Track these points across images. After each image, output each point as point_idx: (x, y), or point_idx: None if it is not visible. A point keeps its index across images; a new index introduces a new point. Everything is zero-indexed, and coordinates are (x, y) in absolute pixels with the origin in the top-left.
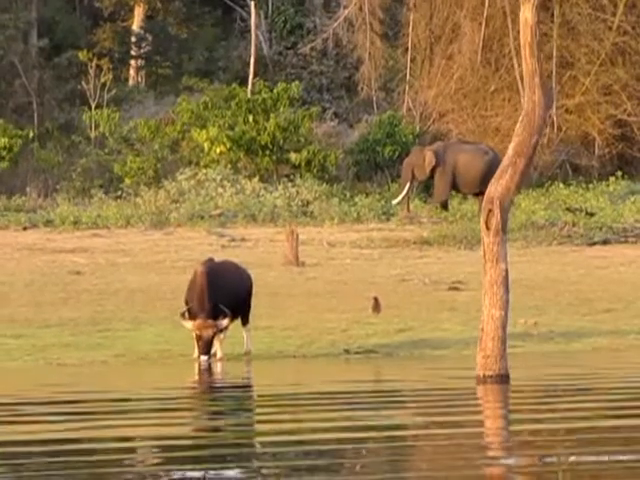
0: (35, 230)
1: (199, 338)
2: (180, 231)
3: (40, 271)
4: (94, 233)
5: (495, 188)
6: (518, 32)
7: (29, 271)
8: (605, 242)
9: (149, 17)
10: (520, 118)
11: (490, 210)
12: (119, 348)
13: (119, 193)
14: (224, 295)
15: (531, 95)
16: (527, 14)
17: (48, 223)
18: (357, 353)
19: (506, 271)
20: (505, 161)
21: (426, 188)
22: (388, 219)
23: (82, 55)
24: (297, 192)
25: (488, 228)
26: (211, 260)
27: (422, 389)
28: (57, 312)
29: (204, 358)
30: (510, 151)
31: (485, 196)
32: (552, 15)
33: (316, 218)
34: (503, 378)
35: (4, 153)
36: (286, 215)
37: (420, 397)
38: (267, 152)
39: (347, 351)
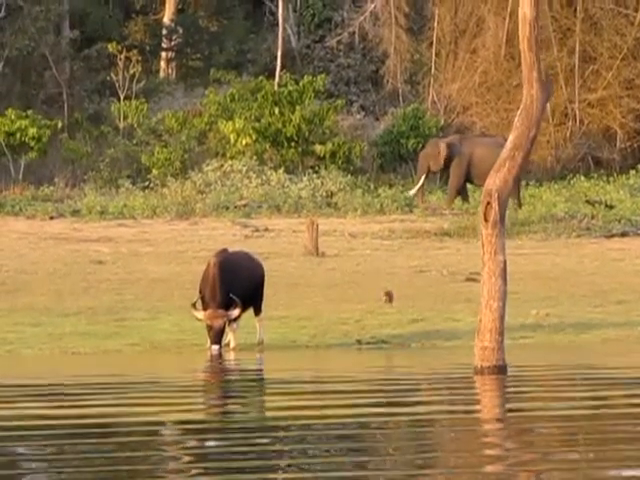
0: (61, 220)
1: (210, 328)
2: (205, 221)
3: (63, 260)
4: (120, 223)
5: (493, 181)
6: (540, 27)
7: (53, 260)
8: (623, 234)
9: (180, 10)
10: (519, 112)
11: (488, 203)
12: (134, 337)
13: (146, 183)
14: (236, 285)
15: (529, 89)
16: (526, 9)
17: (75, 213)
18: (369, 343)
19: (504, 263)
20: (503, 154)
21: (448, 181)
22: (411, 211)
23: (112, 47)
24: (322, 183)
25: (486, 220)
26: (225, 251)
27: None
28: (77, 301)
29: (215, 347)
30: (508, 144)
31: (484, 189)
32: (575, 10)
33: (340, 209)
34: (500, 369)
35: (33, 143)
36: (310, 206)
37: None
38: (292, 144)
39: (359, 342)
